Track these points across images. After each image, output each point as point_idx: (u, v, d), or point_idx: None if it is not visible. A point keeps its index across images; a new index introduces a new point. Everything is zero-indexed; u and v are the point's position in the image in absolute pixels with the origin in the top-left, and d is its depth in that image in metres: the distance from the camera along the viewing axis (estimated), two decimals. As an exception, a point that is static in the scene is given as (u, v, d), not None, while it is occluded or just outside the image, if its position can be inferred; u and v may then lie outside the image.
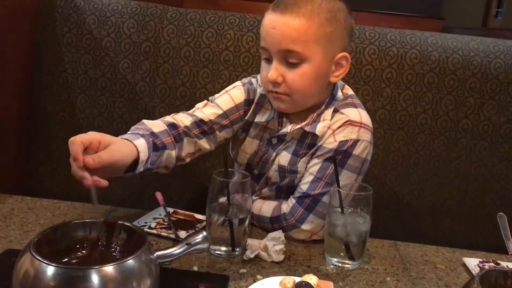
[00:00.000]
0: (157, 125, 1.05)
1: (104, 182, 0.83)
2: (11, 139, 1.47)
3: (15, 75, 1.46)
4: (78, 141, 0.84)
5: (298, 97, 1.05)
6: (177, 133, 1.07)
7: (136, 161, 0.95)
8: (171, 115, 1.12)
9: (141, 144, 0.96)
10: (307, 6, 1.00)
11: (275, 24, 1.01)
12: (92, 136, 0.87)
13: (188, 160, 1.11)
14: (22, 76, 1.48)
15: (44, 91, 1.48)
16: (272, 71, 1.02)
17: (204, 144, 1.12)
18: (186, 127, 1.09)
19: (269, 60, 1.05)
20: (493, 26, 3.72)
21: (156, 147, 1.00)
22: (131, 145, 0.94)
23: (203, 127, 1.11)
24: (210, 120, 1.12)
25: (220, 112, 1.13)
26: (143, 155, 0.96)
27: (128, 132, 1.01)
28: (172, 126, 1.07)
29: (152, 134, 1.02)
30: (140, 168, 0.96)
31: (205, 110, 1.13)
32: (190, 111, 1.14)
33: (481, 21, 3.86)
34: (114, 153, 0.89)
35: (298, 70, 1.02)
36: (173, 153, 1.05)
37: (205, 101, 1.16)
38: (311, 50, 1.01)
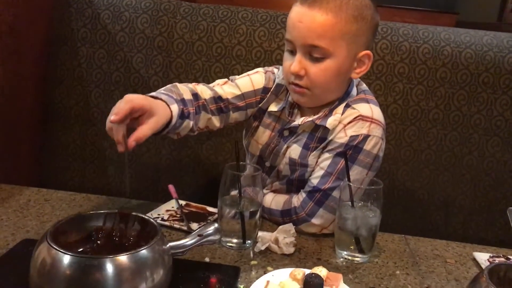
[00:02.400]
0: (186, 92, 1.06)
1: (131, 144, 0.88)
2: (27, 133, 1.50)
3: (31, 69, 1.48)
4: (132, 104, 0.87)
5: (319, 91, 1.06)
6: (197, 104, 1.08)
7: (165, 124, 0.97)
8: (193, 84, 1.12)
9: (175, 110, 0.98)
10: (335, 1, 1.00)
11: (302, 18, 1.01)
12: (142, 103, 0.90)
13: (196, 133, 1.11)
14: (37, 71, 1.50)
15: (59, 86, 1.50)
16: (295, 63, 1.03)
17: (216, 121, 1.13)
18: (205, 100, 1.10)
19: (292, 52, 1.05)
20: (509, 21, 3.66)
21: (183, 115, 1.01)
22: (168, 110, 0.96)
23: (220, 104, 1.12)
24: (228, 99, 1.13)
25: (239, 93, 1.14)
26: (173, 121, 0.98)
27: (163, 91, 1.02)
28: (195, 96, 1.08)
29: (182, 101, 1.03)
30: (165, 131, 0.99)
31: (225, 88, 1.14)
32: (210, 85, 1.15)
33: (497, 16, 3.81)
34: (156, 127, 0.92)
35: (322, 65, 1.03)
36: (191, 123, 1.05)
37: (225, 79, 1.17)
38: (336, 46, 1.01)
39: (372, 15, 1.04)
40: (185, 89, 1.07)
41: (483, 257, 1.05)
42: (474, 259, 1.06)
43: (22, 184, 1.22)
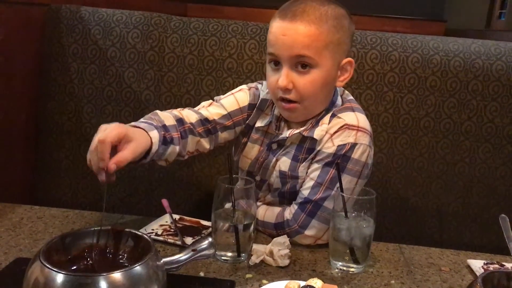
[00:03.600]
0: (168, 118, 1.07)
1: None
2: (19, 149, 1.49)
3: (23, 85, 1.48)
4: (108, 141, 0.88)
5: (308, 103, 1.07)
6: (183, 129, 1.08)
7: (147, 151, 0.98)
8: (178, 109, 1.13)
9: (155, 136, 0.98)
10: (315, 13, 1.01)
11: (286, 32, 1.02)
12: (118, 132, 0.91)
13: (186, 157, 1.12)
14: (29, 87, 1.50)
15: (51, 101, 1.50)
16: (283, 77, 1.03)
17: (205, 143, 1.14)
18: (191, 123, 1.10)
19: (276, 65, 1.06)
20: (496, 28, 3.71)
21: (165, 140, 1.02)
22: (147, 137, 0.97)
23: (208, 126, 1.13)
24: (214, 120, 1.14)
25: (225, 112, 1.15)
26: (155, 148, 0.98)
27: (142, 120, 1.03)
28: (180, 121, 1.08)
29: (164, 127, 1.03)
30: (148, 159, 0.99)
31: (210, 109, 1.15)
32: (195, 108, 1.16)
33: (485, 23, 3.85)
34: (136, 151, 0.93)
35: (309, 76, 1.03)
36: (177, 148, 1.06)
37: (210, 101, 1.18)
38: (321, 56, 1.02)
39: (349, 24, 1.07)
40: (167, 116, 1.07)
41: (477, 264, 1.05)
42: (469, 267, 1.06)
43: (14, 201, 1.21)
